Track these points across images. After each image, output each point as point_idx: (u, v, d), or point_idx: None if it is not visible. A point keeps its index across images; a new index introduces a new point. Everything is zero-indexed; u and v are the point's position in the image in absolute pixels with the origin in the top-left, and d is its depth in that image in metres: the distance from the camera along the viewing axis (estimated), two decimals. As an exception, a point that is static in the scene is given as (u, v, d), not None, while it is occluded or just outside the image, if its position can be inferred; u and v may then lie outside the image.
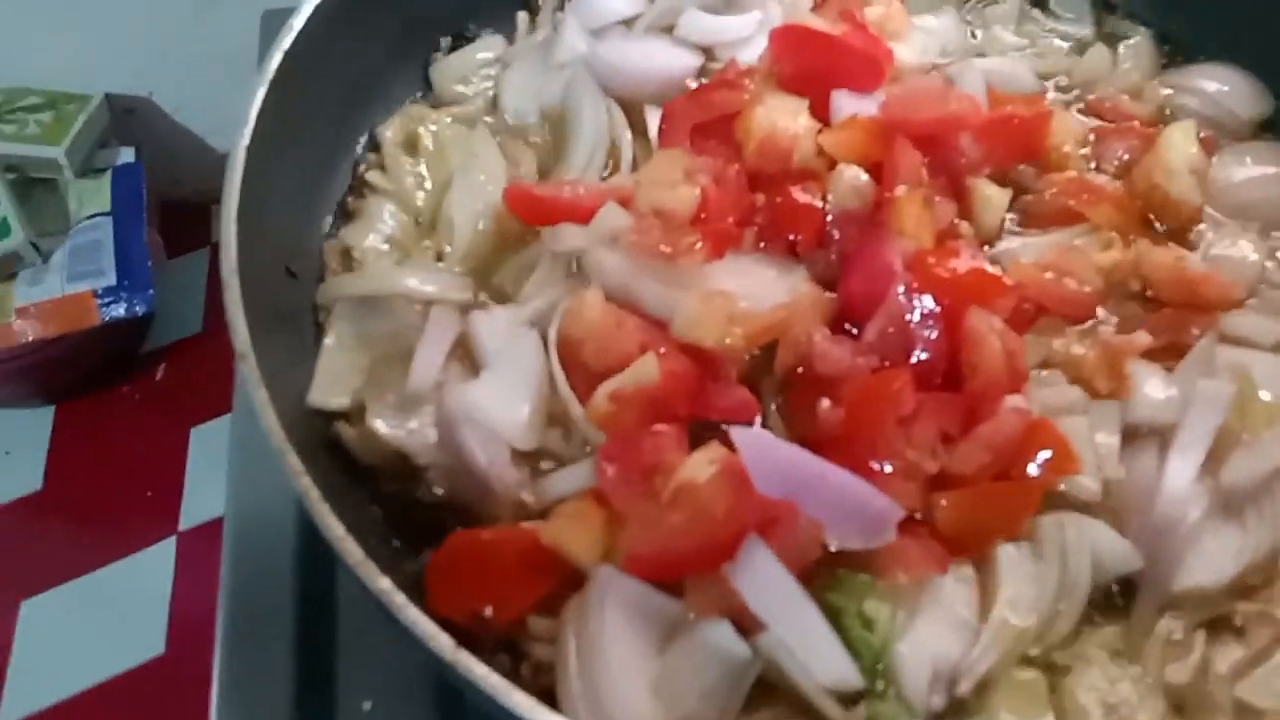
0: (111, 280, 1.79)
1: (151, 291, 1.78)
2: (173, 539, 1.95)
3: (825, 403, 1.02)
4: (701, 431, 1.01)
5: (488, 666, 0.77)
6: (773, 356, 1.07)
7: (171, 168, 2.05)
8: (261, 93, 1.06)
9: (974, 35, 1.38)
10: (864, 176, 1.12)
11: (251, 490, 1.23)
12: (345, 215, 1.22)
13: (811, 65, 1.19)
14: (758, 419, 1.06)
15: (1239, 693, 0.94)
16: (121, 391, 2.08)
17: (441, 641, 0.78)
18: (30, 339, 1.77)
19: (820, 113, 1.18)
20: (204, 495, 2.01)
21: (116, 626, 1.90)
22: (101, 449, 2.05)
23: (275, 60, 1.08)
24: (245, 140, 1.03)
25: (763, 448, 0.95)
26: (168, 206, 2.07)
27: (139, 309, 1.77)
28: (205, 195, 2.17)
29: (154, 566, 1.94)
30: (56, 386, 1.95)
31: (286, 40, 1.10)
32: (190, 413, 2.08)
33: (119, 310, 1.76)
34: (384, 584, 0.80)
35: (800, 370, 1.06)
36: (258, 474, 1.23)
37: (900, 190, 1.10)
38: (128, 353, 1.99)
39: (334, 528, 0.82)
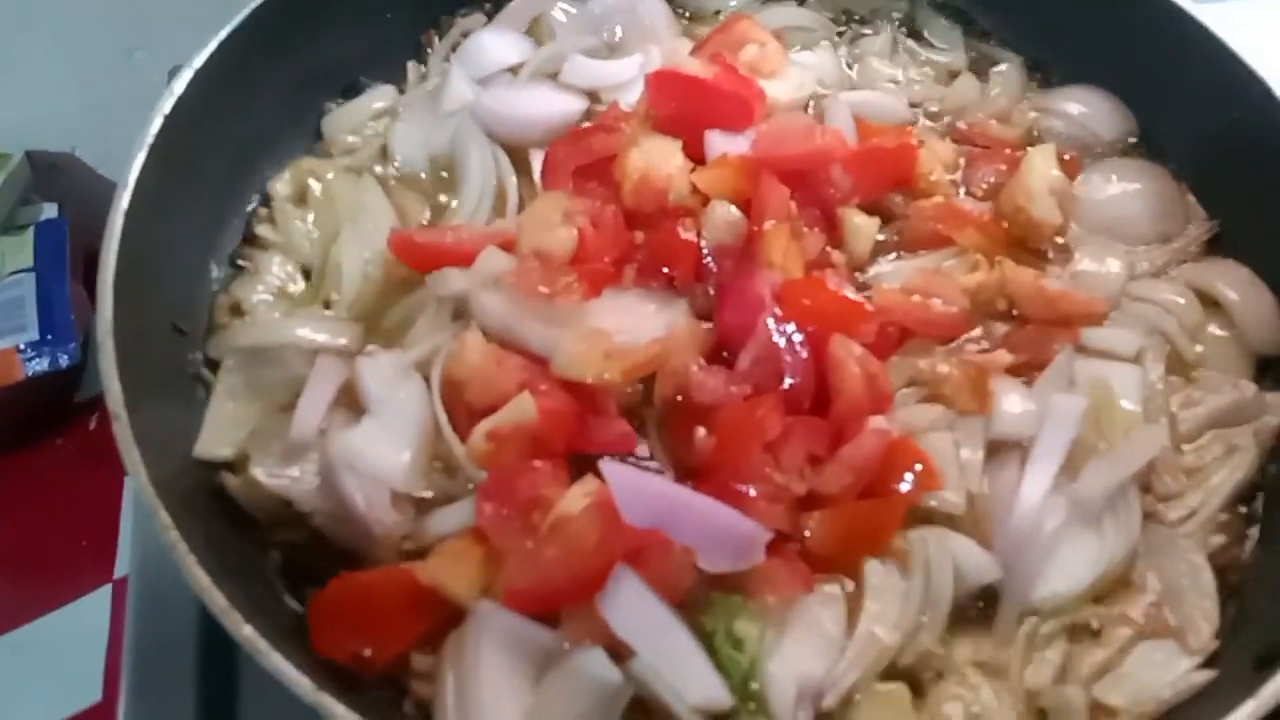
0: (34, 335, 1.80)
1: (75, 344, 1.79)
2: (108, 587, 1.95)
3: (701, 431, 1.06)
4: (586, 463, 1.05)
5: (346, 706, 0.80)
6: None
7: (96, 220, 2.06)
8: (140, 157, 1.09)
9: (850, 67, 1.43)
10: (735, 212, 1.17)
11: (156, 543, 1.24)
12: (235, 269, 1.24)
13: (685, 108, 1.23)
14: (643, 449, 1.10)
15: (1096, 693, 0.98)
16: (55, 444, 2.08)
17: (302, 685, 0.81)
18: (-46, 396, 1.77)
19: (695, 152, 1.22)
20: (140, 543, 2.01)
21: (55, 675, 1.89)
22: (36, 501, 2.05)
23: (155, 124, 1.12)
24: (124, 204, 1.06)
25: (631, 480, 0.99)
26: (92, 258, 2.09)
27: (63, 362, 1.79)
28: (135, 245, 2.19)
29: (90, 615, 1.94)
30: (-10, 442, 1.95)
31: (167, 104, 1.14)
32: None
33: (43, 365, 1.78)
34: (246, 631, 0.83)
35: (679, 400, 1.10)
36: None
37: (768, 224, 1.14)
38: (60, 404, 1.99)
39: (199, 578, 0.85)
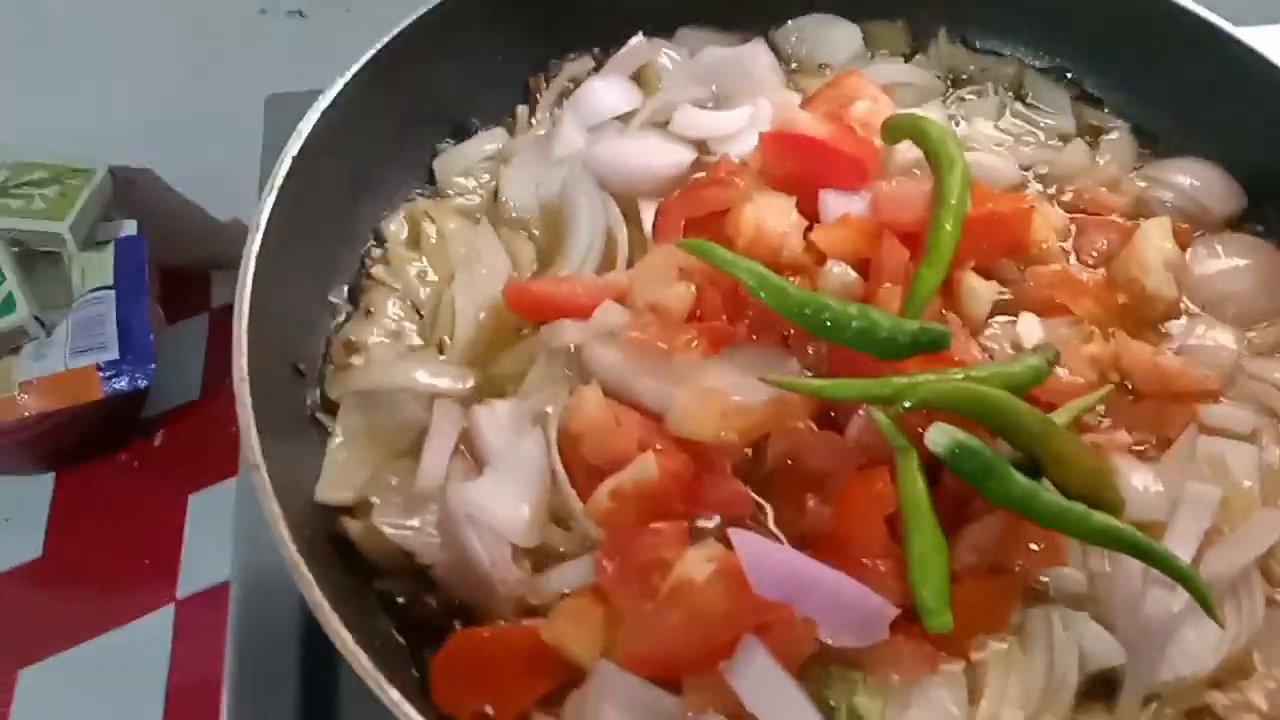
0: (114, 354, 1.80)
1: (153, 366, 1.80)
2: (171, 606, 1.95)
3: (811, 500, 1.05)
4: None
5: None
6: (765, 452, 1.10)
7: (172, 237, 2.08)
8: (270, 200, 1.09)
9: (958, 125, 1.43)
10: (852, 274, 1.16)
11: (256, 561, 1.24)
12: (350, 311, 1.25)
13: (799, 167, 1.23)
14: (752, 513, 1.09)
15: (1220, 782, 0.97)
16: (120, 459, 2.09)
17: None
18: (33, 413, 1.78)
19: (808, 209, 1.22)
20: (202, 562, 2.01)
21: (114, 694, 1.89)
22: (101, 516, 2.06)
23: (284, 168, 1.12)
24: (256, 246, 1.06)
25: (760, 549, 0.98)
26: (166, 274, 2.10)
27: (141, 382, 1.79)
28: (205, 262, 2.20)
29: (152, 634, 1.94)
30: (57, 455, 1.97)
31: (294, 146, 1.14)
32: (188, 479, 2.09)
33: (121, 384, 1.78)
34: (394, 695, 0.82)
35: (790, 464, 1.09)
36: (263, 546, 1.25)
37: (885, 286, 1.14)
38: (127, 420, 2.00)
39: (343, 637, 0.85)
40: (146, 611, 1.97)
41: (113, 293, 1.88)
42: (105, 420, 1.96)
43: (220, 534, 1.34)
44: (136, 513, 2.08)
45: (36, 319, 1.82)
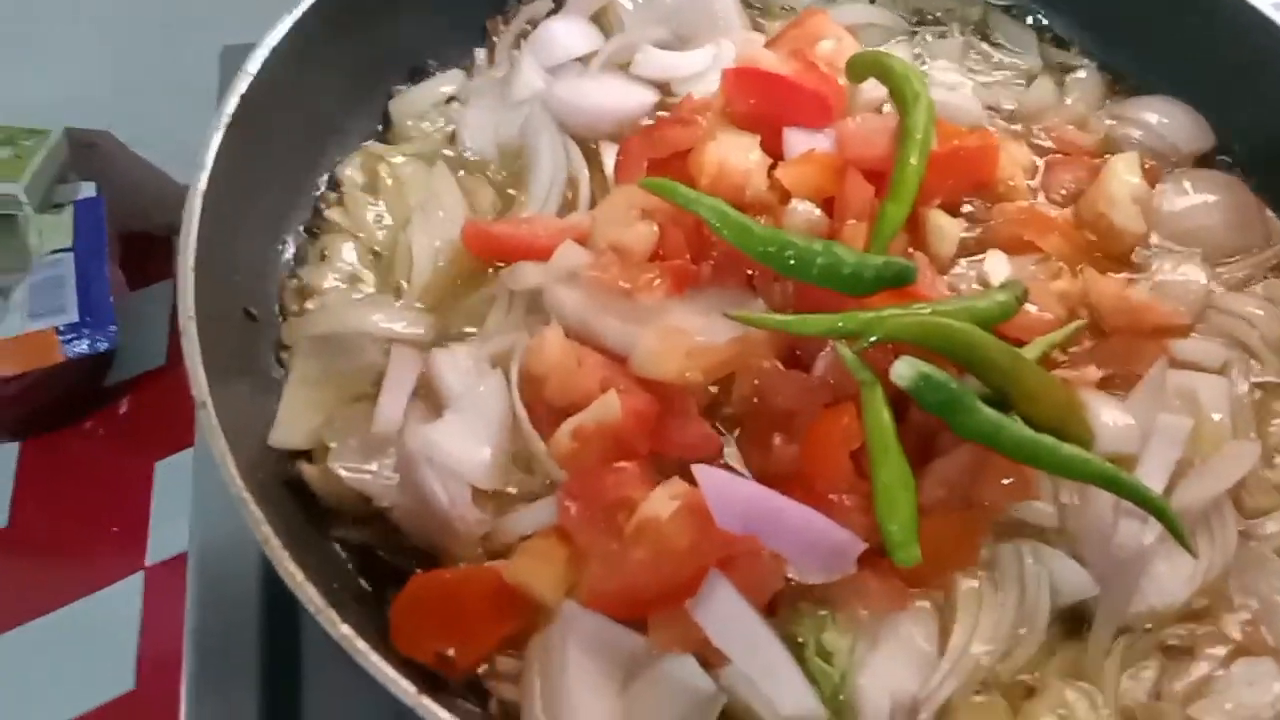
0: (74, 317, 1.78)
1: (114, 328, 1.77)
2: (140, 574, 1.93)
3: (778, 438, 1.03)
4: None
5: (450, 712, 0.77)
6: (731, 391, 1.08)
7: (132, 201, 2.04)
8: (217, 138, 1.07)
9: (923, 64, 1.40)
10: (817, 211, 1.15)
11: (215, 527, 1.23)
12: (304, 255, 1.22)
13: (763, 104, 1.21)
14: (719, 453, 1.07)
15: (1192, 713, 0.96)
16: (85, 426, 2.06)
17: (403, 686, 0.79)
18: (-8, 376, 1.75)
19: (772, 147, 1.20)
20: (170, 529, 1.99)
21: (86, 662, 1.87)
22: (67, 484, 2.03)
23: (230, 104, 1.09)
24: (201, 185, 1.04)
25: (724, 484, 0.96)
26: (129, 239, 2.06)
27: (101, 345, 1.76)
28: (167, 227, 2.15)
29: (122, 601, 1.92)
30: (21, 423, 1.94)
31: (242, 84, 1.11)
32: (155, 446, 2.06)
33: (82, 347, 1.75)
34: (345, 630, 0.81)
35: (756, 404, 1.07)
36: (221, 510, 1.22)
37: (850, 222, 1.12)
38: (92, 387, 1.97)
39: (294, 574, 0.83)
40: (116, 579, 1.95)
41: (71, 255, 1.84)
42: (70, 388, 1.93)
43: (188, 501, 1.32)
44: (104, 481, 2.05)
45: (-9, 282, 1.80)
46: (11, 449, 2.05)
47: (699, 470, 0.95)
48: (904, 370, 0.94)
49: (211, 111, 1.46)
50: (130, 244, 2.11)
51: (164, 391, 2.15)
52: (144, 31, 2.17)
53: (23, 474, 2.05)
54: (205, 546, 1.22)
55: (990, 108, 1.37)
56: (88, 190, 1.95)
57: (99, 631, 1.88)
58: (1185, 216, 1.26)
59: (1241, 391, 1.13)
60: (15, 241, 1.87)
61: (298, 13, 1.19)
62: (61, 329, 1.77)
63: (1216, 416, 1.10)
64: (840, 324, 1.01)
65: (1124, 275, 1.21)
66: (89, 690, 1.80)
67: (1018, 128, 1.36)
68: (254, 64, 1.13)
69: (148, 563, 1.94)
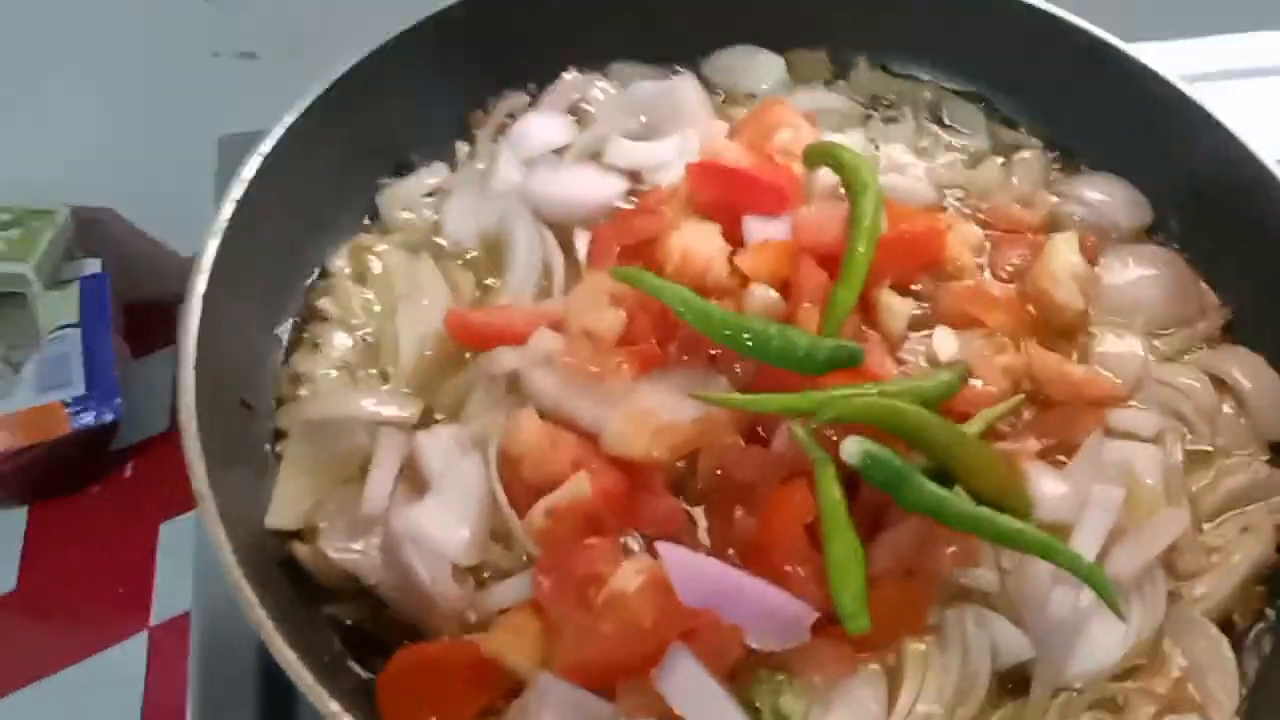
0: (81, 390, 1.86)
1: (119, 400, 1.85)
2: (144, 633, 2.00)
3: (739, 510, 1.11)
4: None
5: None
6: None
7: (135, 272, 2.13)
8: (214, 244, 1.14)
9: (877, 148, 1.49)
10: (773, 294, 1.22)
11: (215, 595, 1.28)
12: (296, 343, 1.30)
13: (724, 195, 1.28)
14: (685, 527, 1.14)
15: (1121, 767, 1.03)
16: (93, 491, 2.13)
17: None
18: (2, 449, 1.83)
19: (733, 234, 1.27)
20: (174, 589, 2.06)
21: (92, 720, 1.94)
22: (74, 547, 2.10)
23: (226, 210, 1.17)
24: (200, 288, 1.11)
25: (685, 561, 1.03)
26: (132, 309, 2.15)
27: (107, 417, 1.84)
28: (168, 295, 2.23)
29: (127, 661, 1.99)
30: (29, 489, 2.01)
31: (237, 191, 1.19)
32: (159, 508, 2.13)
33: (88, 419, 1.83)
34: (334, 707, 0.87)
35: (719, 477, 1.15)
36: (221, 579, 1.30)
37: (805, 306, 1.20)
38: (98, 453, 2.05)
39: (286, 655, 0.90)
40: (121, 639, 2.02)
41: (78, 330, 1.93)
42: (76, 454, 2.01)
43: (190, 561, 1.38)
44: (109, 543, 2.13)
45: (3, 359, 1.87)
46: (20, 514, 2.13)
47: (663, 548, 1.03)
48: (852, 449, 1.02)
49: (207, 189, 1.55)
50: (133, 313, 2.20)
51: (167, 455, 2.22)
52: (144, 114, 2.26)
53: (31, 538, 2.12)
54: (206, 611, 1.28)
55: (944, 187, 1.45)
56: (93, 266, 2.03)
57: (104, 690, 1.95)
58: (1126, 290, 1.34)
59: (1176, 460, 1.20)
60: (25, 318, 1.95)
61: (290, 118, 1.27)
62: (69, 402, 1.85)
63: (1150, 483, 1.17)
64: (793, 404, 1.08)
65: (1064, 352, 1.27)
66: (96, 749, 1.87)
67: (968, 205, 1.44)
68: (249, 169, 1.21)
69: (152, 623, 2.01)
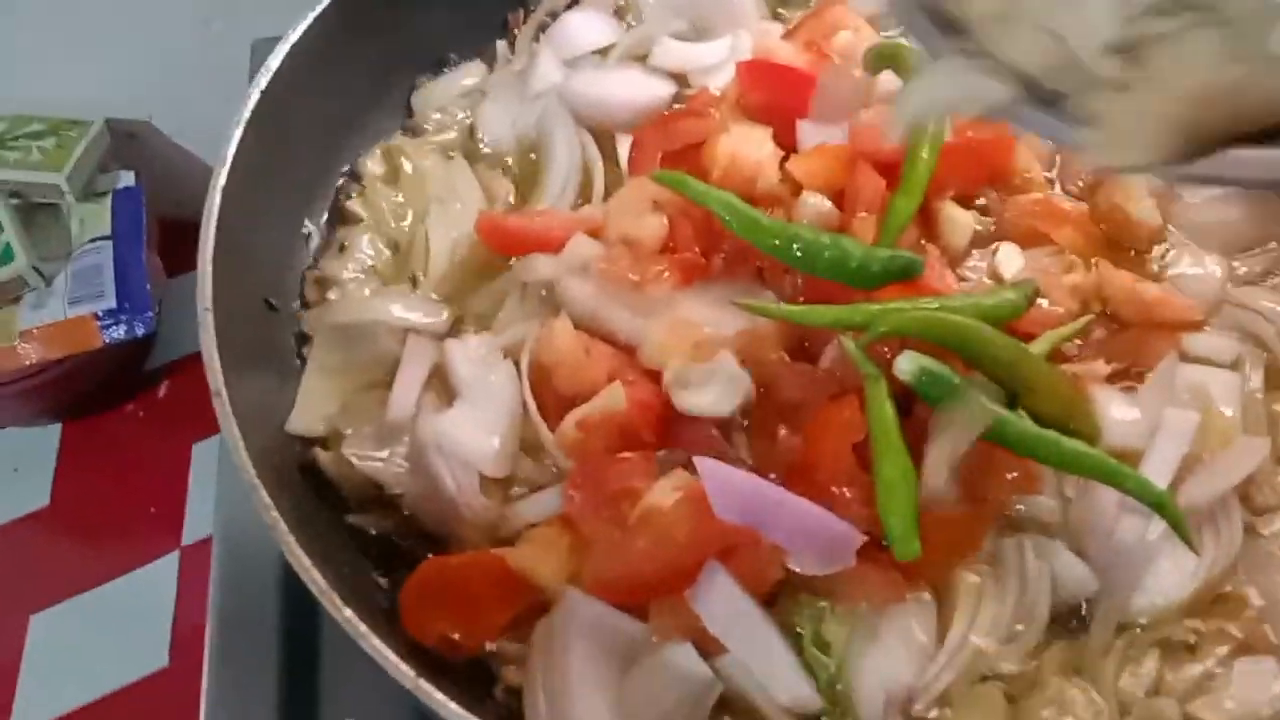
0: (112, 303, 1.82)
1: (151, 314, 1.81)
2: (176, 554, 1.98)
3: (783, 430, 1.04)
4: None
5: (446, 695, 0.80)
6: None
7: (171, 189, 2.08)
8: (238, 133, 1.10)
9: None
10: (827, 204, 1.15)
11: (239, 510, 1.26)
12: (324, 245, 1.25)
13: (776, 97, 1.21)
14: (723, 449, 1.08)
15: (1191, 710, 0.96)
16: (126, 409, 2.11)
17: (403, 670, 0.81)
18: (34, 361, 1.80)
19: (785, 140, 1.20)
20: (206, 511, 2.03)
21: (122, 640, 1.92)
22: (107, 466, 2.08)
23: (252, 100, 1.12)
24: (222, 180, 1.07)
25: (723, 476, 0.97)
26: (167, 226, 2.10)
27: (139, 331, 1.80)
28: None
29: (158, 581, 1.97)
30: (62, 406, 1.99)
31: (264, 80, 1.14)
32: (192, 429, 2.11)
33: (119, 333, 1.79)
34: (348, 613, 0.83)
35: (763, 395, 1.09)
36: (245, 495, 1.27)
37: (861, 215, 1.13)
38: (132, 371, 2.02)
39: (300, 559, 0.86)
40: (152, 558, 2.00)
41: (110, 243, 1.90)
42: (109, 371, 1.98)
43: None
44: (142, 462, 2.11)
45: (35, 269, 1.84)
46: (54, 430, 2.12)
47: (699, 462, 0.97)
48: (906, 365, 0.95)
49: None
50: (169, 231, 2.16)
51: (201, 375, 2.20)
52: (181, 25, 2.20)
53: (64, 455, 2.11)
54: (229, 528, 1.26)
55: (1010, 98, 1.36)
56: (127, 179, 1.99)
57: (135, 610, 1.93)
58: (1204, 208, 1.24)
59: (1254, 387, 1.11)
60: (58, 229, 1.92)
61: (320, 8, 1.21)
62: (100, 315, 1.81)
63: (1228, 412, 1.09)
64: (846, 316, 1.02)
65: (1138, 272, 1.19)
66: (125, 666, 1.85)
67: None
68: (276, 60, 1.16)
69: (184, 542, 2.00)
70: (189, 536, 2.02)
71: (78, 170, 1.91)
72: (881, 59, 1.24)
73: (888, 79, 1.26)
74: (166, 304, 2.06)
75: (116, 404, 2.13)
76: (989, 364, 1.00)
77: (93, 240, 1.91)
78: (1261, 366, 1.13)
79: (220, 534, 1.23)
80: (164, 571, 1.99)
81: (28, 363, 1.81)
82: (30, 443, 2.11)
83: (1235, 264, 1.22)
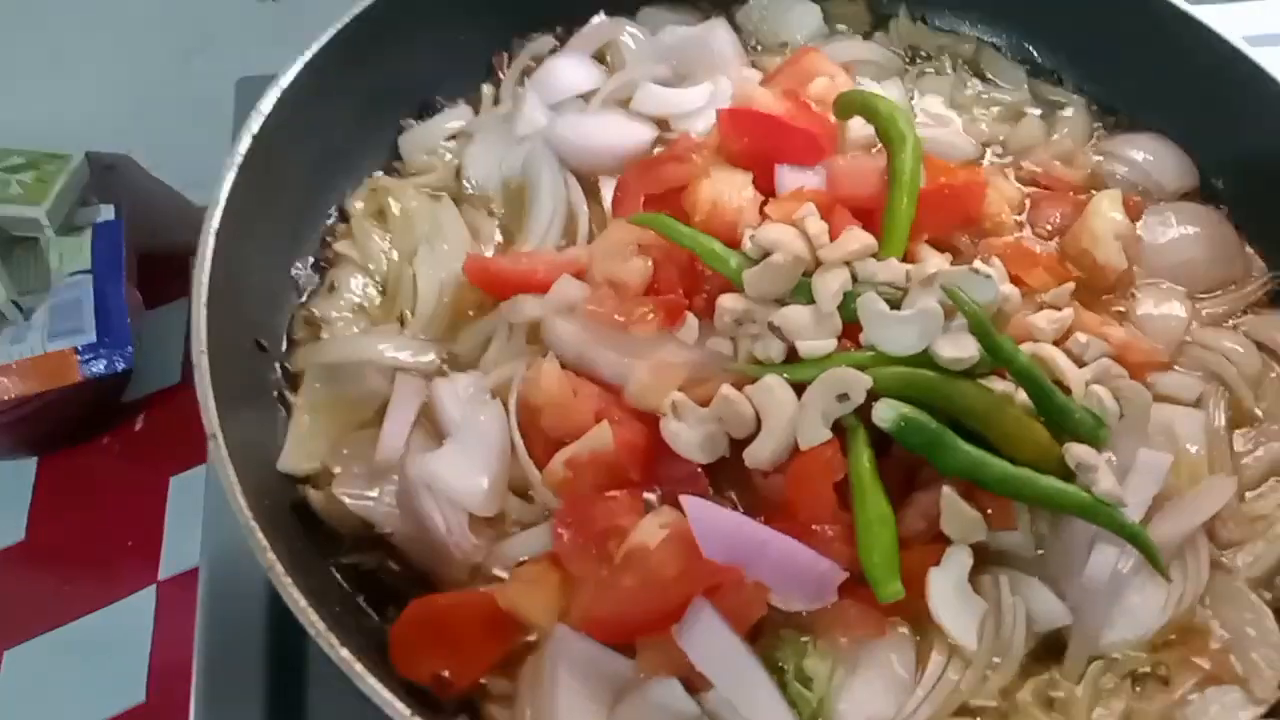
0: (91, 337, 1.82)
1: (130, 348, 1.82)
2: (153, 587, 1.97)
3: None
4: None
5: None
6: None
7: (150, 222, 2.09)
8: (230, 176, 1.11)
9: (915, 100, 1.44)
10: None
11: (225, 544, 1.25)
12: (313, 286, 1.26)
13: (756, 143, 1.24)
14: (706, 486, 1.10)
15: (1162, 740, 0.99)
16: (102, 442, 2.11)
17: (398, 708, 0.82)
18: (12, 396, 1.80)
19: (765, 184, 1.23)
20: (183, 544, 2.03)
21: (98, 675, 1.92)
22: (83, 499, 2.08)
23: (244, 144, 1.13)
24: (215, 224, 1.08)
25: (710, 515, 1.00)
26: (146, 259, 2.11)
27: (119, 365, 1.81)
28: (183, 247, 2.20)
29: (135, 615, 1.96)
30: (39, 439, 1.99)
31: (255, 124, 1.15)
32: (169, 461, 2.11)
33: (99, 367, 1.80)
34: (344, 653, 0.84)
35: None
36: (231, 529, 1.26)
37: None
38: (108, 404, 2.02)
39: (297, 599, 0.87)
40: (129, 593, 1.99)
41: (90, 277, 1.90)
42: (87, 405, 1.98)
43: (201, 516, 1.36)
44: (119, 496, 2.10)
45: (14, 303, 1.84)
46: (29, 465, 2.11)
47: (686, 501, 0.99)
48: (886, 413, 0.98)
49: (227, 137, 1.51)
50: (147, 263, 2.16)
51: (179, 408, 2.20)
52: (162, 60, 2.22)
53: (40, 489, 2.10)
54: (215, 563, 1.26)
55: (983, 143, 1.40)
56: (107, 213, 2.00)
57: (112, 644, 1.92)
58: (1168, 250, 1.29)
59: (1218, 425, 1.16)
60: (37, 263, 1.92)
61: (310, 53, 1.23)
62: (80, 349, 1.82)
63: (1193, 449, 1.13)
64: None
65: (1105, 313, 1.23)
66: (101, 702, 1.84)
67: (1007, 161, 1.39)
68: (267, 103, 1.18)
69: (160, 577, 1.99)
70: (166, 570, 2.02)
71: (58, 204, 1.92)
72: (850, 107, 1.28)
73: (862, 125, 1.30)
74: (144, 337, 2.06)
75: (92, 437, 2.13)
76: (964, 415, 1.03)
77: (72, 274, 1.91)
78: (1224, 405, 1.17)
79: (207, 572, 1.23)
80: (141, 605, 1.98)
81: (5, 397, 1.81)
82: (5, 477, 2.10)
83: (1200, 306, 1.26)
